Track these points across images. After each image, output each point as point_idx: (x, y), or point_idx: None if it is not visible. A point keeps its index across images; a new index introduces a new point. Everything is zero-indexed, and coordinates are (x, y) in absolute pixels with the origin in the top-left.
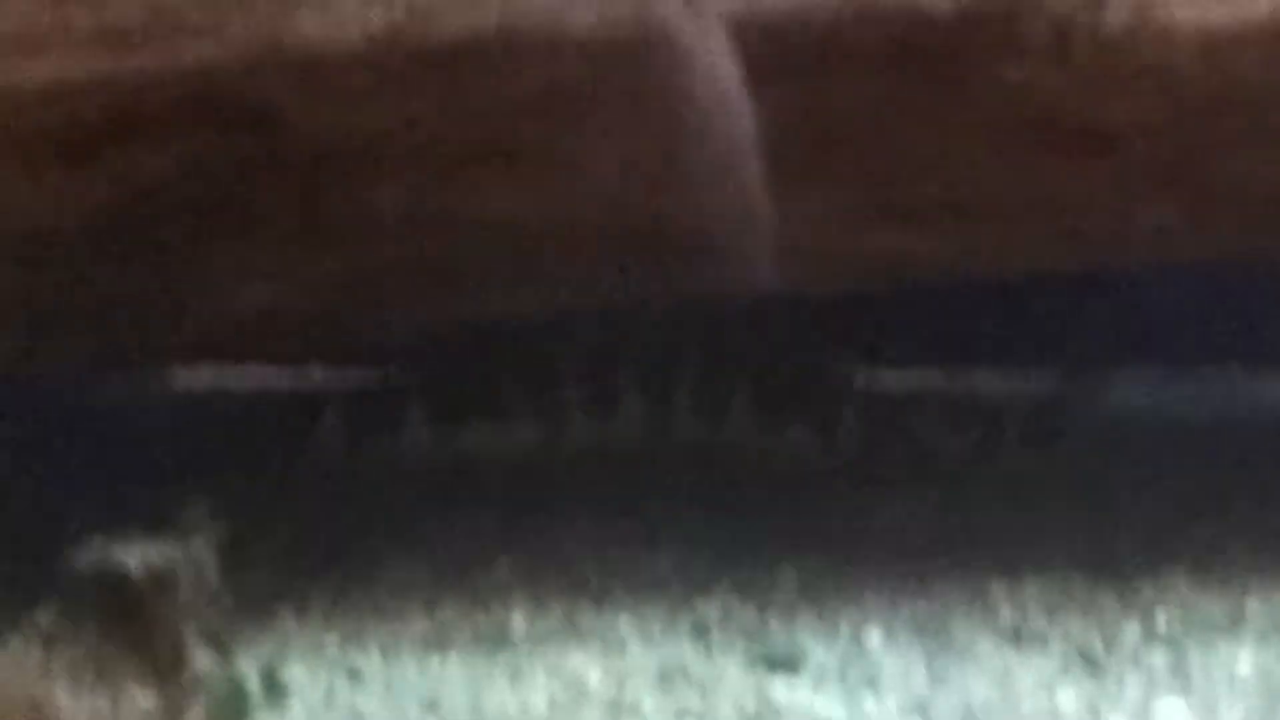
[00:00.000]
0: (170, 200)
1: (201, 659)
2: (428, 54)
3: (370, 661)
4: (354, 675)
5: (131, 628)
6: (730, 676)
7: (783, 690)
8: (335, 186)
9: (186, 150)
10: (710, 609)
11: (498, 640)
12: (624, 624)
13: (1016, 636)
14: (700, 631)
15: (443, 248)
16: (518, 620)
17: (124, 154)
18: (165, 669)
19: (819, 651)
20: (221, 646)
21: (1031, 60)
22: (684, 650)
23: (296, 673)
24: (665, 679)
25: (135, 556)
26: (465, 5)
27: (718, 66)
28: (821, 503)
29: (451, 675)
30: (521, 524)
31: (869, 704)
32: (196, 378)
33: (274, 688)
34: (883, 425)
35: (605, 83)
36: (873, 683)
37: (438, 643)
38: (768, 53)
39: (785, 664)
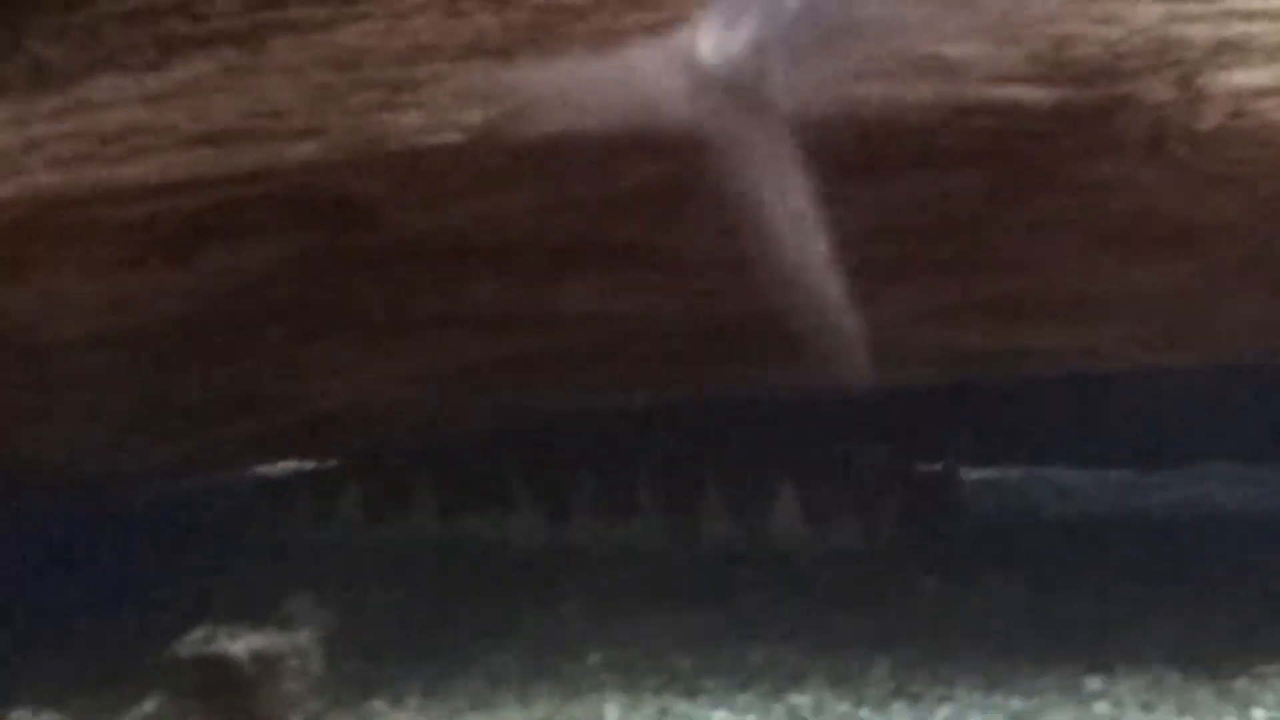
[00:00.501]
0: (266, 297)
1: None
2: (524, 151)
3: None
4: None
5: (238, 715)
6: None
7: None
8: (427, 283)
9: (283, 247)
10: (804, 700)
11: None
12: (719, 716)
13: None
14: None
15: (530, 342)
16: (611, 711)
17: (223, 251)
18: None
19: None
20: None
21: (1126, 156)
22: None
23: None
24: None
25: (241, 645)
26: (562, 103)
27: (811, 163)
28: (908, 595)
29: None
30: (610, 616)
31: None
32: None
33: None
34: (962, 519)
35: (699, 180)
36: None
37: None
38: (863, 148)
39: None
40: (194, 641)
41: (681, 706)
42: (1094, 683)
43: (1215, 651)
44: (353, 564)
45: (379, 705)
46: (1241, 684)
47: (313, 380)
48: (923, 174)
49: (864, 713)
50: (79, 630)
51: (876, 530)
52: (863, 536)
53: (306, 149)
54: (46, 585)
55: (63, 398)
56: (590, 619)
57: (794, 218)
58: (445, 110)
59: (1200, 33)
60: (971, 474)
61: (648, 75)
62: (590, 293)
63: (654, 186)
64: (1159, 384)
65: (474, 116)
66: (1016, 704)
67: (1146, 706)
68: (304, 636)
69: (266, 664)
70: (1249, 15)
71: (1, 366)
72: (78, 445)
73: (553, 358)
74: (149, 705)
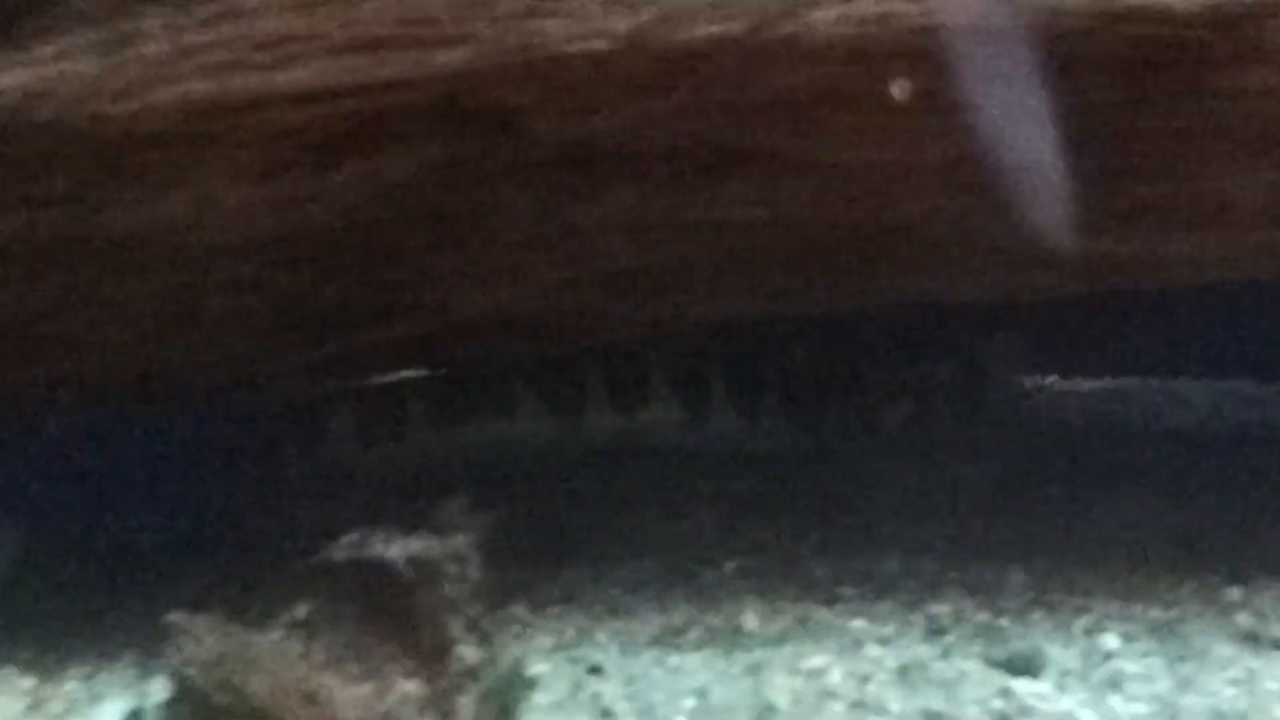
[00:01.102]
0: (411, 204)
1: (468, 651)
2: (671, 58)
3: (609, 657)
4: (595, 670)
5: (394, 620)
6: (972, 677)
7: (1027, 691)
8: (571, 191)
9: (430, 154)
10: (942, 609)
11: (732, 638)
12: (857, 624)
13: (1255, 641)
14: (936, 632)
15: (672, 250)
16: (750, 619)
17: (370, 158)
18: (431, 660)
19: (1057, 654)
20: (485, 639)
21: (1275, 65)
22: (921, 651)
23: (539, 667)
24: (906, 679)
25: (397, 550)
26: (711, 9)
27: (955, 72)
28: (1039, 505)
29: (690, 671)
30: (741, 523)
31: (1117, 706)
32: None
33: (523, 681)
34: (1092, 432)
35: (847, 86)
36: (1117, 685)
37: (673, 640)
38: (1009, 56)
39: (1025, 666)
40: (346, 546)
41: (820, 615)
42: (1234, 593)
43: None
44: (484, 469)
45: (519, 612)
46: None
47: (453, 288)
48: (1072, 81)
49: (1003, 622)
50: (228, 536)
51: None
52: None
53: (455, 56)
54: (194, 491)
55: (210, 303)
56: (722, 526)
57: (937, 123)
58: (592, 17)
59: None
60: (1088, 384)
61: None
62: (735, 200)
63: (802, 92)
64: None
65: (621, 23)
66: (1156, 614)
67: None
68: (461, 541)
69: (424, 568)
70: None
71: (153, 271)
72: (222, 351)
73: (694, 265)
74: (301, 610)
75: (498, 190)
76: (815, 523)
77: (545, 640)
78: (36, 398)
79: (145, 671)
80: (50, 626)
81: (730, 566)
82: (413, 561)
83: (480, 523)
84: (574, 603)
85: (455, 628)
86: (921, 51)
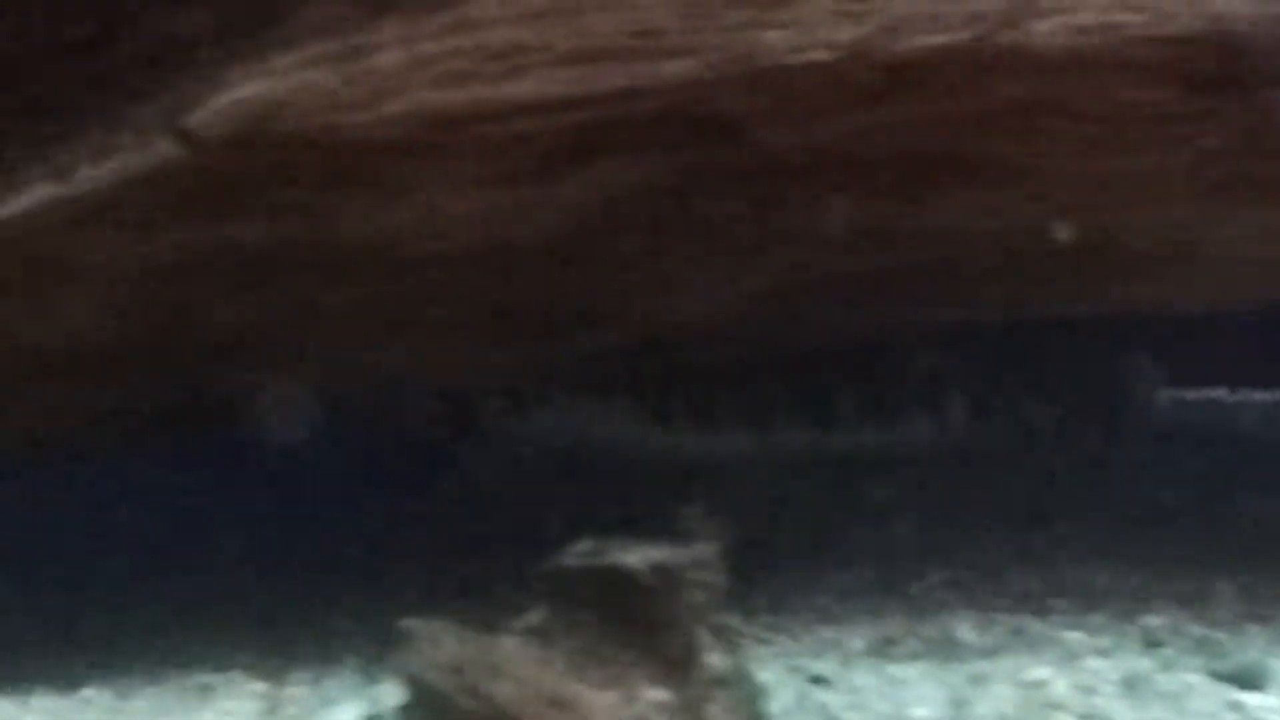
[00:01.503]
0: (631, 212)
1: (715, 658)
2: (894, 68)
3: (829, 667)
4: (818, 680)
5: (636, 627)
6: (1197, 690)
7: (1258, 705)
8: (789, 198)
9: (651, 165)
10: (1156, 622)
11: (948, 650)
12: (1073, 636)
13: None
14: (1153, 644)
15: (883, 259)
16: (964, 630)
17: (593, 168)
18: (677, 667)
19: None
20: (731, 646)
21: None
22: (1142, 663)
23: (762, 676)
24: (1132, 692)
25: (637, 557)
26: (933, 20)
27: (1167, 81)
28: (1233, 516)
29: (911, 682)
30: (943, 533)
31: None
32: None
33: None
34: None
35: (1067, 95)
36: None
37: (889, 650)
38: (1210, 67)
39: (1250, 679)
40: (581, 553)
41: (1034, 626)
42: None
43: None
44: (685, 477)
45: (732, 620)
46: None
47: (663, 295)
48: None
49: (1220, 635)
50: (458, 541)
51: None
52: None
53: (680, 67)
54: (420, 498)
55: (429, 310)
56: (924, 535)
57: (1158, 135)
58: (815, 27)
59: None
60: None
61: None
62: (949, 209)
63: (1021, 102)
64: None
65: (844, 33)
66: None
67: None
68: (704, 548)
69: (668, 576)
70: None
71: (375, 279)
72: (435, 358)
73: (905, 274)
74: (534, 617)
75: (715, 199)
76: (1015, 533)
77: (761, 649)
78: (260, 404)
79: (370, 676)
80: (271, 631)
81: (937, 577)
82: (656, 569)
83: (718, 531)
84: (784, 612)
85: (702, 635)
86: (1144, 61)
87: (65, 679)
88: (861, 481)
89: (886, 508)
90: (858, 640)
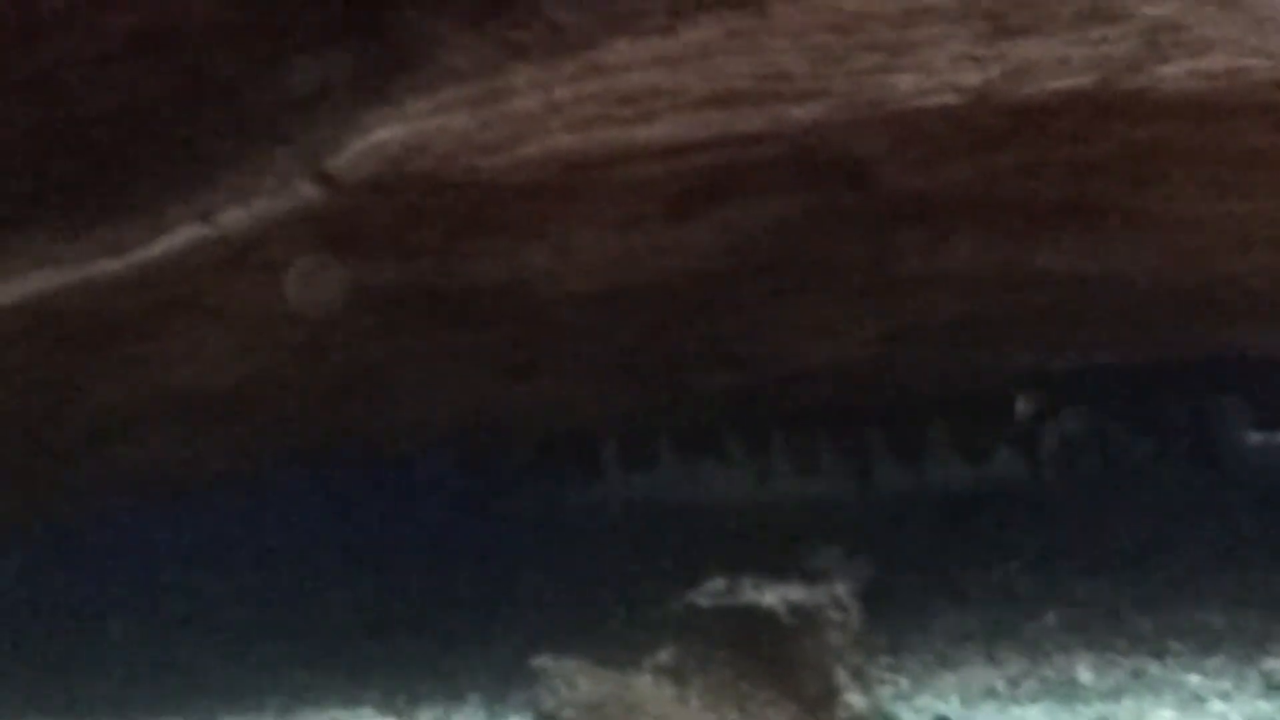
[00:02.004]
0: (756, 255)
1: (855, 699)
2: (1020, 112)
3: (952, 708)
4: None
5: (772, 666)
6: None
7: None
8: (912, 242)
9: (780, 207)
10: (1277, 665)
11: (1068, 691)
12: (1193, 679)
13: None
14: (1275, 688)
15: (1004, 301)
16: (1083, 672)
17: (724, 210)
18: (816, 707)
19: None
20: (869, 686)
21: None
22: (1264, 707)
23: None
24: None
25: (774, 597)
26: (1059, 64)
27: None
28: None
29: None
30: (1056, 574)
31: None
32: None
33: None
34: None
35: (1191, 141)
36: None
37: (1009, 692)
38: None
39: None
40: (713, 592)
41: (1153, 668)
42: None
43: None
44: (786, 520)
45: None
46: None
47: (786, 338)
48: None
49: None
50: (573, 581)
51: None
52: None
53: (810, 110)
54: (535, 539)
55: (556, 351)
56: (1037, 577)
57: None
58: (942, 71)
59: None
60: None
61: None
62: (1067, 253)
63: (1144, 146)
64: None
65: (970, 77)
66: None
67: None
68: (841, 589)
69: (806, 615)
70: None
71: (504, 320)
72: (557, 399)
73: (1024, 317)
74: (664, 655)
75: (840, 242)
76: (1128, 573)
77: (883, 690)
78: (386, 443)
79: (495, 713)
80: (396, 668)
81: (1053, 618)
82: (794, 608)
83: (858, 572)
84: (904, 653)
85: (841, 675)
86: (1270, 106)
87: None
88: (966, 521)
89: (994, 547)
90: (977, 682)
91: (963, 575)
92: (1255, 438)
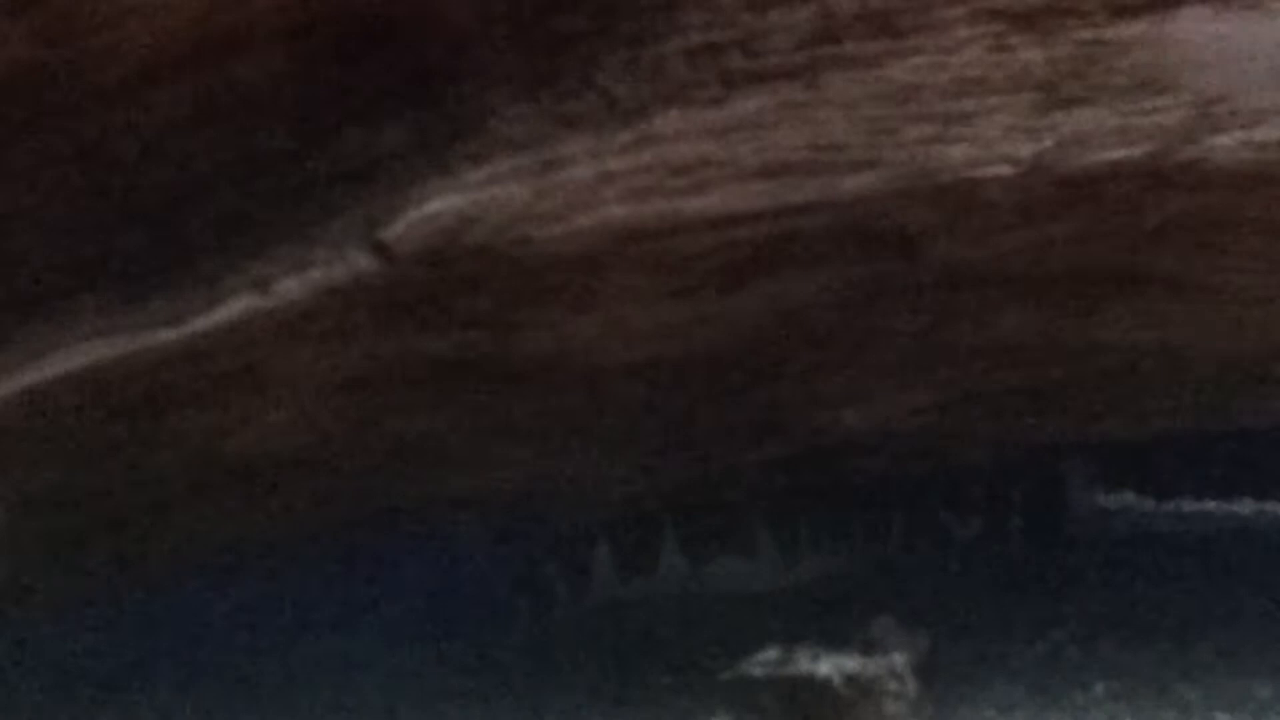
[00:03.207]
0: (803, 326)
1: None
2: (1072, 182)
3: None
4: None
5: None
6: None
7: None
8: (962, 312)
9: (830, 278)
10: None
11: None
12: None
13: None
14: None
15: (1055, 372)
16: None
17: (773, 281)
18: None
19: None
20: None
21: None
22: None
23: None
24: None
25: (828, 667)
26: (1112, 135)
27: None
28: None
29: None
30: (1103, 643)
31: None
32: None
33: None
34: None
35: (1245, 211)
36: None
37: None
38: None
39: None
40: (766, 662)
41: None
42: None
43: None
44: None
45: None
46: None
47: (831, 408)
48: None
49: None
50: (638, 647)
51: None
52: None
53: (862, 181)
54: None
55: (603, 424)
56: (1083, 648)
57: None
58: (995, 142)
59: None
60: None
61: None
62: (1118, 323)
63: (1198, 217)
64: None
65: (1023, 148)
66: None
67: None
68: (897, 659)
69: (862, 687)
70: None
71: (555, 391)
72: (606, 471)
73: (1072, 388)
74: None
75: (887, 312)
76: (1174, 644)
77: None
78: (438, 515)
79: None
80: None
81: (1100, 688)
82: (850, 678)
83: (914, 643)
84: None
85: None
86: None
87: None
88: (1015, 595)
89: (1043, 621)
90: None
91: (1009, 644)
92: (1104, 500)
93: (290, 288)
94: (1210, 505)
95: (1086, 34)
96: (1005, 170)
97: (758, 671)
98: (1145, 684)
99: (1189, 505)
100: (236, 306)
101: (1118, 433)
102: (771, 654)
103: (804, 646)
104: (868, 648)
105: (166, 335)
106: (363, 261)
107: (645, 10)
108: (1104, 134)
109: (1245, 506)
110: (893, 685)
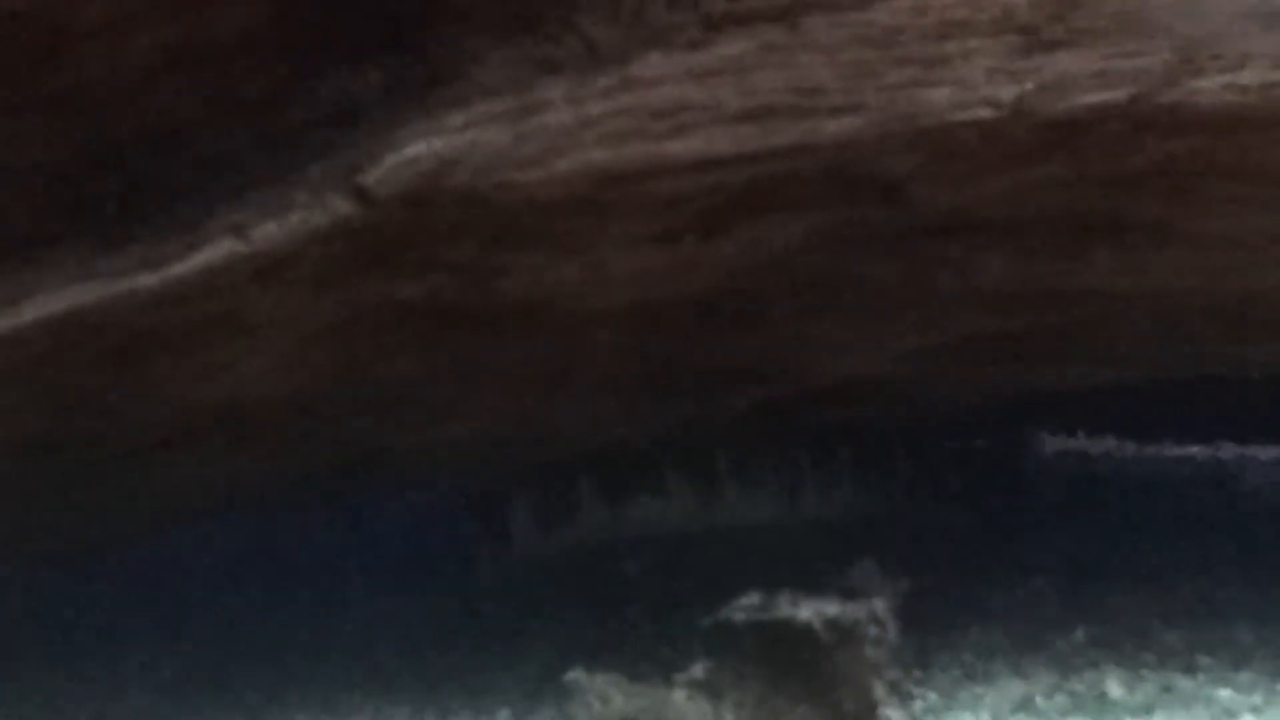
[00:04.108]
0: (785, 272)
1: (893, 714)
2: (1053, 127)
3: None
4: None
5: (808, 681)
6: None
7: None
8: (943, 259)
9: (811, 223)
10: None
11: (1098, 706)
12: (1223, 694)
13: None
14: None
15: (1034, 319)
16: (1113, 687)
17: (754, 226)
18: None
19: None
20: (907, 702)
21: None
22: None
23: None
24: None
25: (809, 612)
26: (1093, 78)
27: None
28: None
29: None
30: (1082, 591)
31: None
32: None
33: None
34: None
35: (1227, 155)
36: None
37: (1039, 707)
38: None
39: None
40: (747, 607)
41: (1183, 683)
42: None
43: None
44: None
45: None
46: None
47: (814, 354)
48: None
49: None
50: (594, 596)
51: None
52: None
53: (844, 125)
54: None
55: (586, 367)
56: (1063, 593)
57: None
58: (977, 86)
59: None
60: None
61: None
62: (1099, 269)
63: (1179, 161)
64: None
65: (1005, 91)
66: None
67: None
68: (878, 604)
69: (843, 631)
70: None
71: (535, 336)
72: (586, 415)
73: (1054, 334)
74: (698, 670)
75: (871, 258)
76: (1155, 589)
77: (913, 705)
78: (420, 459)
79: None
80: (424, 684)
81: (1080, 633)
82: (830, 623)
83: (894, 588)
84: (932, 668)
85: (878, 690)
86: None
87: None
88: (987, 543)
89: (1021, 569)
90: (1006, 697)
91: (989, 591)
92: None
93: (270, 232)
94: (1193, 450)
95: None
96: (986, 113)
97: (738, 617)
98: (1126, 629)
99: (1171, 450)
100: (216, 252)
101: (1099, 378)
102: (752, 599)
103: (784, 592)
104: (848, 593)
105: (146, 280)
106: (343, 206)
107: None
108: (1085, 77)
109: (1227, 451)
110: (873, 630)
